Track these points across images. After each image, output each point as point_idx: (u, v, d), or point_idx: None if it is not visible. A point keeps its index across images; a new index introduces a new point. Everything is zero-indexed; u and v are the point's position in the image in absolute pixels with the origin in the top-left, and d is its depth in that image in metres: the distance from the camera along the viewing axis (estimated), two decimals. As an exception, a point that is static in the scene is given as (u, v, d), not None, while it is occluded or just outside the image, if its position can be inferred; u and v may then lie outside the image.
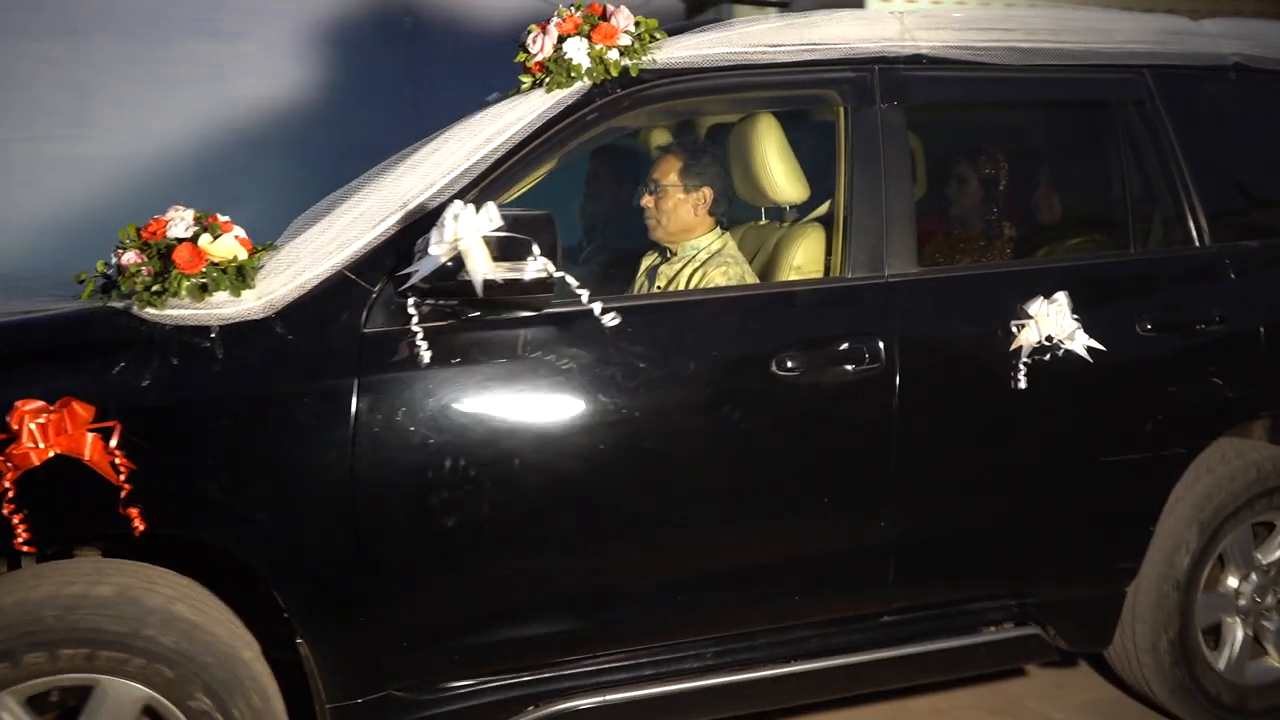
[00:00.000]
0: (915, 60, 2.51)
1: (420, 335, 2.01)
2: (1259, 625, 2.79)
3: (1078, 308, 2.44)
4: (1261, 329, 2.67)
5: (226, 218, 2.07)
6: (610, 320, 2.06)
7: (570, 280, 2.01)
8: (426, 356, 2.01)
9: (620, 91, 2.29)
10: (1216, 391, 2.64)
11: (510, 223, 1.93)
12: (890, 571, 2.43)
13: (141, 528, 1.86)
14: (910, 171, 2.52)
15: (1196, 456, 2.65)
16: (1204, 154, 2.75)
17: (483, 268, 1.91)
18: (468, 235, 1.91)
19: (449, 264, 1.93)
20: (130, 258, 1.97)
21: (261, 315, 2.01)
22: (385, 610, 2.08)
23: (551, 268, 1.94)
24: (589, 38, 2.26)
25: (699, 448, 2.25)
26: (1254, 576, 2.78)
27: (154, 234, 1.99)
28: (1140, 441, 2.58)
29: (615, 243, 3.18)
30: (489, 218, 1.92)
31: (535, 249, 1.92)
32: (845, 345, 2.31)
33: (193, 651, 1.91)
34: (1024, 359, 2.41)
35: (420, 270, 1.97)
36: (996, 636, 2.59)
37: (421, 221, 2.07)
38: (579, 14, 2.30)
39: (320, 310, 2.04)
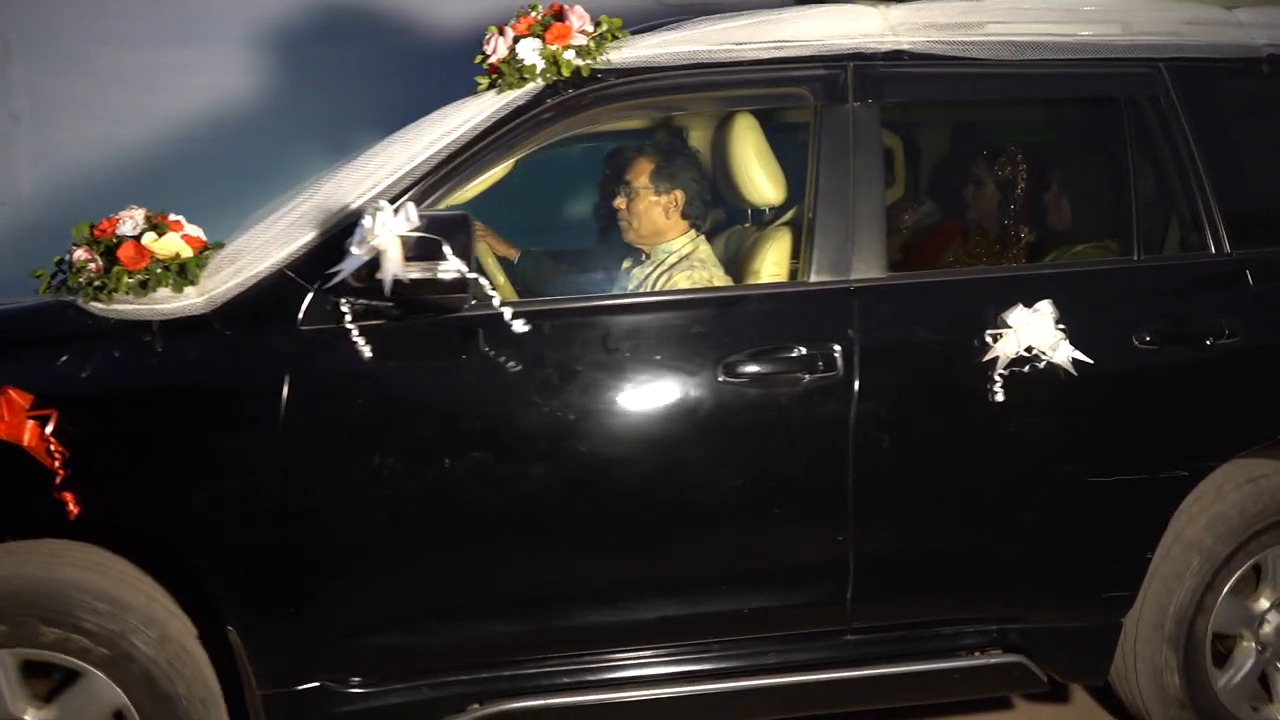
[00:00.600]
0: (896, 56, 2.41)
1: (354, 334, 2.05)
2: (1272, 665, 2.59)
3: (1065, 317, 2.30)
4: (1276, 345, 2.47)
5: (178, 217, 2.15)
6: (520, 326, 2.05)
7: (483, 282, 2.01)
8: (359, 355, 2.05)
9: (572, 92, 2.28)
10: (1227, 410, 2.47)
11: (426, 223, 1.94)
12: (849, 588, 2.34)
13: (76, 512, 1.96)
14: (883, 173, 2.42)
15: (1202, 480, 2.46)
16: (1226, 154, 2.57)
17: (394, 268, 1.93)
18: (384, 235, 1.93)
19: (369, 263, 1.96)
20: (80, 254, 2.06)
21: (202, 311, 2.08)
22: (315, 603, 2.13)
23: (464, 268, 1.94)
24: (542, 38, 2.26)
25: (635, 454, 2.22)
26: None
27: (104, 231, 2.08)
28: (1134, 462, 2.41)
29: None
30: (406, 218, 1.94)
31: (447, 249, 1.93)
32: (798, 353, 2.24)
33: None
34: (1000, 371, 2.28)
35: (343, 269, 2.01)
36: (975, 662, 2.45)
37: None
38: (535, 15, 2.30)
39: (258, 307, 2.10)
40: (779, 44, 2.37)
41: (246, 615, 2.09)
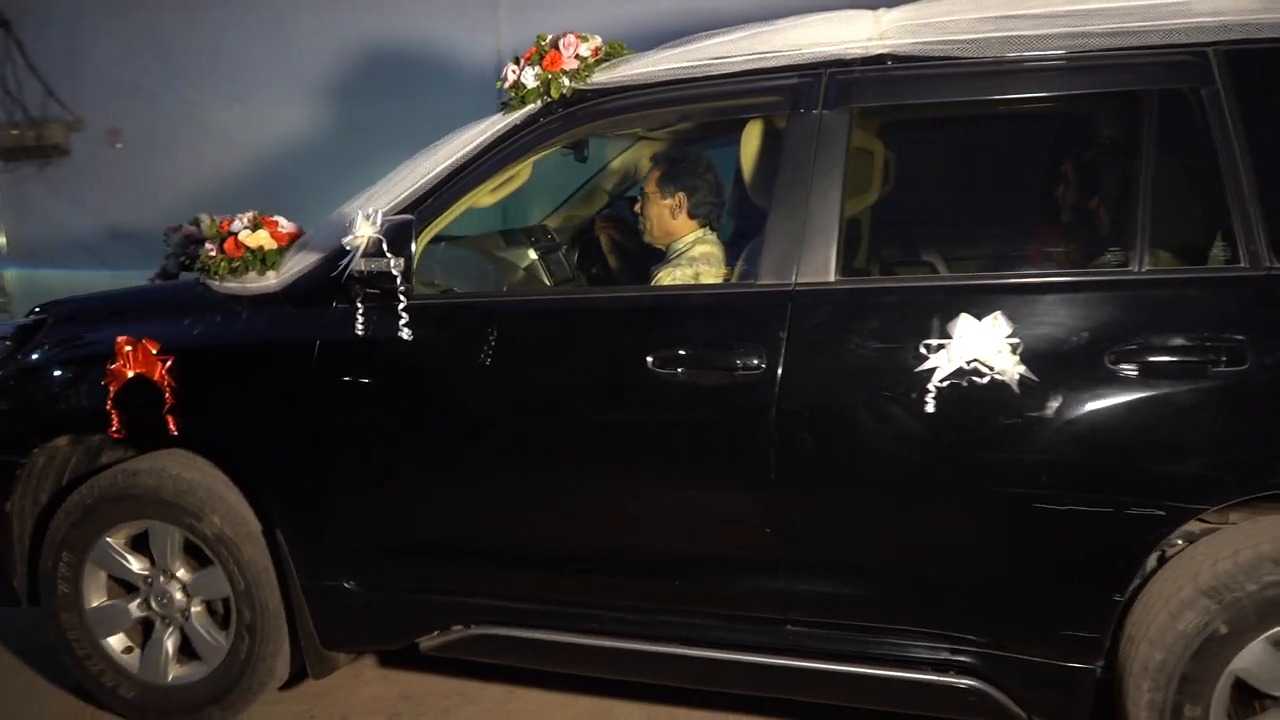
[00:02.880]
0: (879, 61, 2.43)
1: (360, 312, 2.60)
2: None
3: (1024, 332, 2.20)
4: None
5: (277, 218, 2.85)
6: (404, 327, 2.51)
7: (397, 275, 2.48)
8: (362, 327, 2.60)
9: (563, 110, 2.63)
10: (1213, 448, 2.16)
11: (384, 227, 2.44)
12: (779, 580, 2.44)
13: (175, 432, 2.74)
14: (843, 178, 2.41)
15: (1183, 524, 2.19)
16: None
17: (355, 261, 2.45)
18: (358, 235, 2.46)
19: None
20: (206, 245, 2.84)
21: (275, 290, 2.77)
22: (334, 520, 2.73)
23: (393, 263, 2.43)
24: (540, 64, 2.63)
25: (577, 433, 2.52)
26: None
27: (223, 228, 2.84)
28: (1096, 494, 2.20)
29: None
30: (372, 221, 2.45)
31: (385, 247, 2.42)
32: (723, 350, 2.39)
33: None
34: (936, 382, 2.23)
35: (345, 261, 2.56)
36: (922, 677, 2.39)
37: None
38: (540, 45, 2.68)
39: (307, 289, 2.73)
40: (759, 56, 2.50)
41: (289, 523, 2.75)
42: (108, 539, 2.88)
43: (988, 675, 2.36)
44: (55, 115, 8.98)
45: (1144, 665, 2.18)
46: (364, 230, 2.46)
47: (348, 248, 2.52)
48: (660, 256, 2.98)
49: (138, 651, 2.97)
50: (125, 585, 2.96)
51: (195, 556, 2.90)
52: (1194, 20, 2.23)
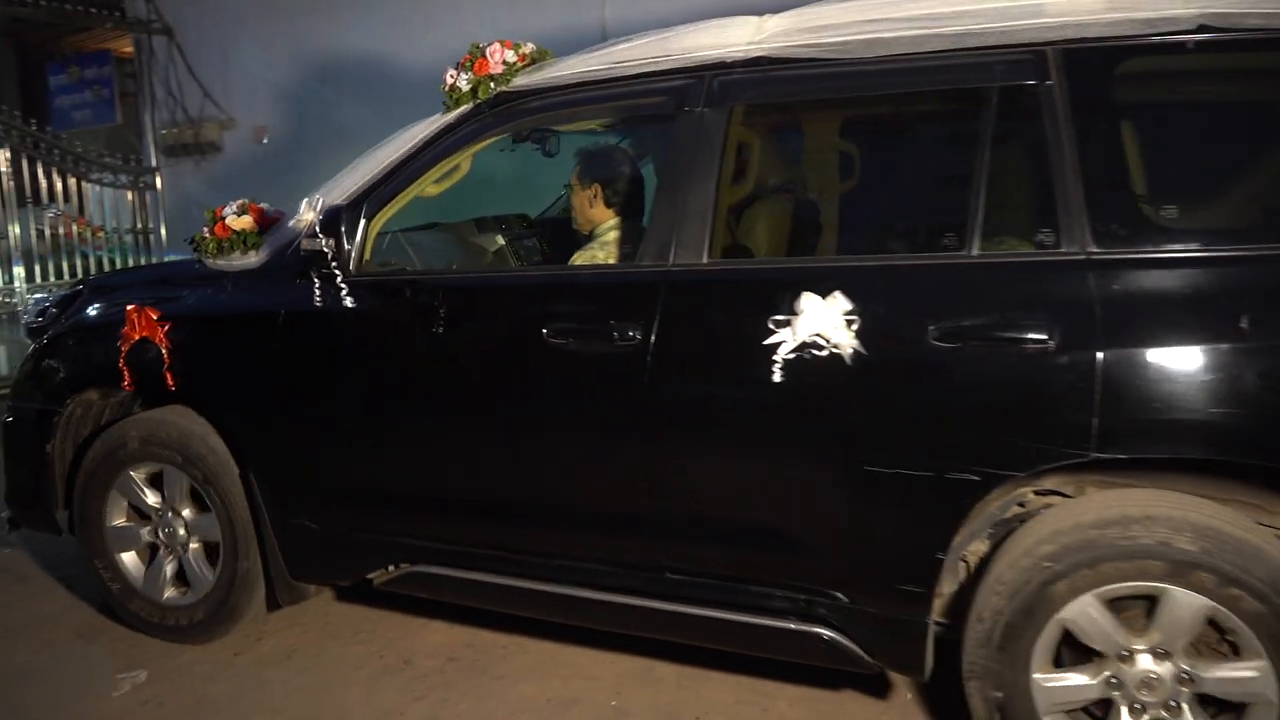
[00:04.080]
0: (757, 63, 2.65)
1: (318, 285, 2.99)
2: None
3: (860, 309, 2.40)
4: (1099, 355, 2.22)
5: (263, 204, 3.29)
6: (340, 295, 2.89)
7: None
8: (321, 300, 2.99)
9: (489, 110, 2.96)
10: (1024, 420, 2.30)
11: (324, 212, 2.85)
12: (657, 532, 2.70)
13: (172, 388, 3.21)
14: (717, 171, 2.64)
15: (995, 488, 2.35)
16: (1111, 145, 2.36)
17: (301, 242, 2.87)
18: (301, 219, 2.87)
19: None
20: (204, 229, 3.31)
21: (255, 266, 3.19)
22: (292, 468, 3.14)
23: (325, 243, 2.82)
24: (472, 70, 2.96)
25: (485, 396, 2.86)
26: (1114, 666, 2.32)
27: (217, 213, 3.30)
28: (917, 459, 2.39)
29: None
30: (313, 208, 2.85)
31: (317, 229, 2.81)
32: (605, 323, 2.67)
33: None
34: (784, 355, 2.45)
35: (293, 243, 2.97)
36: (778, 624, 2.61)
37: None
38: (472, 52, 3.01)
39: (278, 266, 3.15)
40: (655, 59, 2.78)
41: (259, 469, 3.17)
42: (130, 472, 3.38)
43: (837, 624, 2.56)
44: (211, 115, 9.87)
45: (979, 613, 2.37)
46: (306, 215, 2.87)
47: (293, 230, 2.93)
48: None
49: (144, 570, 3.48)
50: (140, 514, 3.46)
51: (199, 502, 3.36)
52: (1031, 22, 2.39)
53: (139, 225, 9.62)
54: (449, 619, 3.49)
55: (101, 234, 9.04)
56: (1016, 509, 2.47)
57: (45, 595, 3.92)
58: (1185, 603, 2.21)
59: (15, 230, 8.21)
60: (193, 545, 3.38)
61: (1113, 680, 2.31)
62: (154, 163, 9.95)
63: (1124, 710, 2.32)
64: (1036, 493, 2.47)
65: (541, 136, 3.45)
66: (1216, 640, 2.28)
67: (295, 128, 9.54)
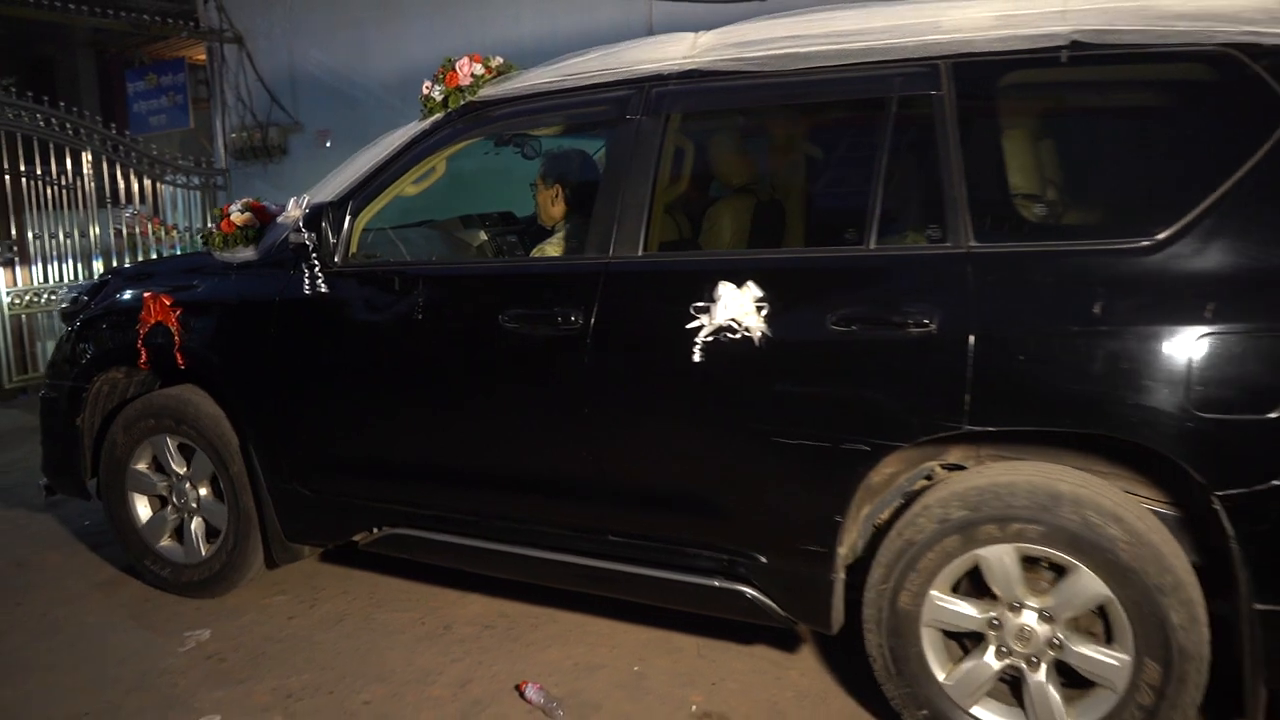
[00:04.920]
0: (689, 76, 2.92)
1: (305, 275, 3.32)
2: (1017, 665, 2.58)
3: (771, 298, 2.65)
4: (971, 338, 2.45)
5: (266, 202, 3.62)
6: (319, 283, 3.21)
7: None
8: (309, 288, 3.32)
9: (459, 118, 3.28)
10: (905, 395, 2.55)
11: (307, 209, 3.20)
12: (598, 497, 2.98)
13: (182, 367, 3.57)
14: (651, 173, 2.92)
15: (885, 457, 2.59)
16: (990, 149, 2.61)
17: (288, 235, 3.25)
18: (288, 215, 3.23)
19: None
20: (211, 225, 3.66)
21: (254, 258, 3.54)
22: (283, 439, 3.48)
23: (306, 236, 3.15)
24: (444, 82, 3.27)
25: (449, 376, 3.17)
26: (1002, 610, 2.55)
27: (224, 210, 3.64)
28: (816, 432, 2.64)
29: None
30: (299, 205, 3.19)
31: (300, 225, 3.17)
32: (552, 309, 2.96)
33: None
34: (704, 337, 2.72)
35: (282, 236, 3.30)
36: (702, 581, 2.88)
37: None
38: (444, 66, 3.32)
39: (273, 258, 3.49)
40: (602, 72, 3.07)
41: (255, 437, 3.52)
42: (147, 443, 3.78)
43: (755, 582, 2.83)
44: (278, 120, 10.34)
45: (880, 561, 2.64)
46: (293, 212, 3.20)
47: (283, 226, 3.25)
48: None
49: (163, 532, 3.88)
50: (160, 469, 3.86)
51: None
52: (927, 38, 2.64)
53: (209, 224, 10.14)
54: (487, 591, 3.75)
55: (174, 233, 9.51)
56: (923, 482, 2.71)
57: (103, 563, 4.31)
58: (1087, 584, 2.43)
59: (95, 229, 8.75)
60: (203, 502, 3.77)
61: (995, 621, 2.56)
62: (224, 165, 10.41)
63: (991, 649, 2.57)
64: (944, 466, 2.70)
65: (521, 140, 3.75)
66: (1097, 624, 2.51)
67: (357, 132, 9.93)
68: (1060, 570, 2.49)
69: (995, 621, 2.56)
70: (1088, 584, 2.43)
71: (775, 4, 3.35)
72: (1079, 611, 2.49)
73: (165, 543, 3.85)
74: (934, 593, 2.58)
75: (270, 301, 3.44)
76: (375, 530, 3.41)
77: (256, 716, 3.01)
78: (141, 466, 3.83)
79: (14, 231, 8.17)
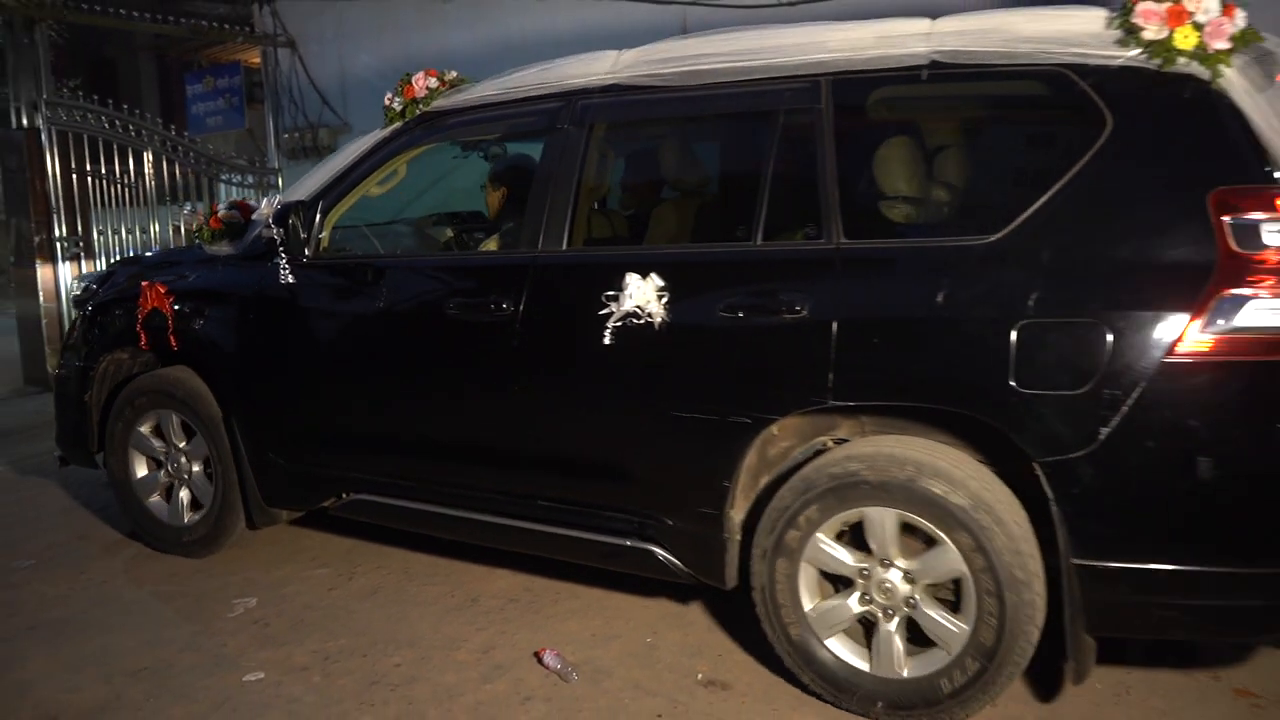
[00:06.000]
0: (610, 90, 3.24)
1: (281, 266, 3.67)
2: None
3: (671, 287, 2.98)
4: (835, 323, 2.77)
5: (252, 202, 4.03)
6: (288, 274, 3.57)
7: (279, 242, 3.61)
8: (282, 279, 3.67)
9: (416, 127, 3.64)
10: (779, 373, 2.86)
11: (278, 206, 3.57)
12: (529, 466, 3.31)
13: (175, 349, 3.95)
14: (575, 176, 3.26)
15: (762, 429, 2.90)
16: (860, 157, 2.92)
17: (261, 230, 3.63)
18: (261, 212, 3.65)
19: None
20: (202, 221, 4.04)
21: (237, 252, 3.92)
22: (258, 412, 3.85)
23: (275, 231, 3.53)
24: (403, 94, 3.66)
25: (401, 357, 3.52)
26: (874, 564, 2.84)
27: (214, 208, 4.01)
28: (707, 406, 2.96)
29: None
30: (271, 204, 3.60)
31: (271, 221, 3.54)
32: (488, 298, 3.30)
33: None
34: (614, 322, 3.05)
35: (257, 231, 3.72)
36: (616, 541, 3.20)
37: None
38: (403, 80, 3.67)
39: (253, 250, 3.86)
40: (539, 86, 3.39)
41: (236, 412, 3.90)
42: (146, 416, 4.19)
43: (663, 542, 3.14)
44: (328, 121, 10.71)
45: (768, 512, 2.93)
46: (265, 210, 3.61)
47: (257, 222, 3.67)
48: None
49: (159, 498, 4.29)
50: (157, 455, 4.25)
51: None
52: (813, 57, 2.93)
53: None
54: (513, 567, 3.99)
55: (229, 229, 9.92)
56: (814, 454, 3.00)
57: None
58: (949, 558, 2.71)
59: (156, 226, 9.17)
60: (194, 470, 4.17)
61: (864, 572, 2.85)
62: (277, 164, 10.81)
63: (856, 594, 2.87)
64: (835, 441, 3.00)
65: (485, 146, 4.21)
66: (949, 594, 2.81)
67: (403, 133, 10.27)
68: (931, 542, 2.75)
69: (865, 572, 2.84)
70: (950, 559, 2.71)
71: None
72: (936, 580, 2.77)
73: (155, 499, 4.26)
74: (819, 535, 2.85)
75: (248, 291, 3.82)
76: (343, 497, 3.76)
77: (296, 674, 3.27)
78: (144, 429, 4.23)
79: (80, 228, 8.57)
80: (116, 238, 8.92)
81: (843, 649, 2.91)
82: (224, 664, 3.37)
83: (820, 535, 2.85)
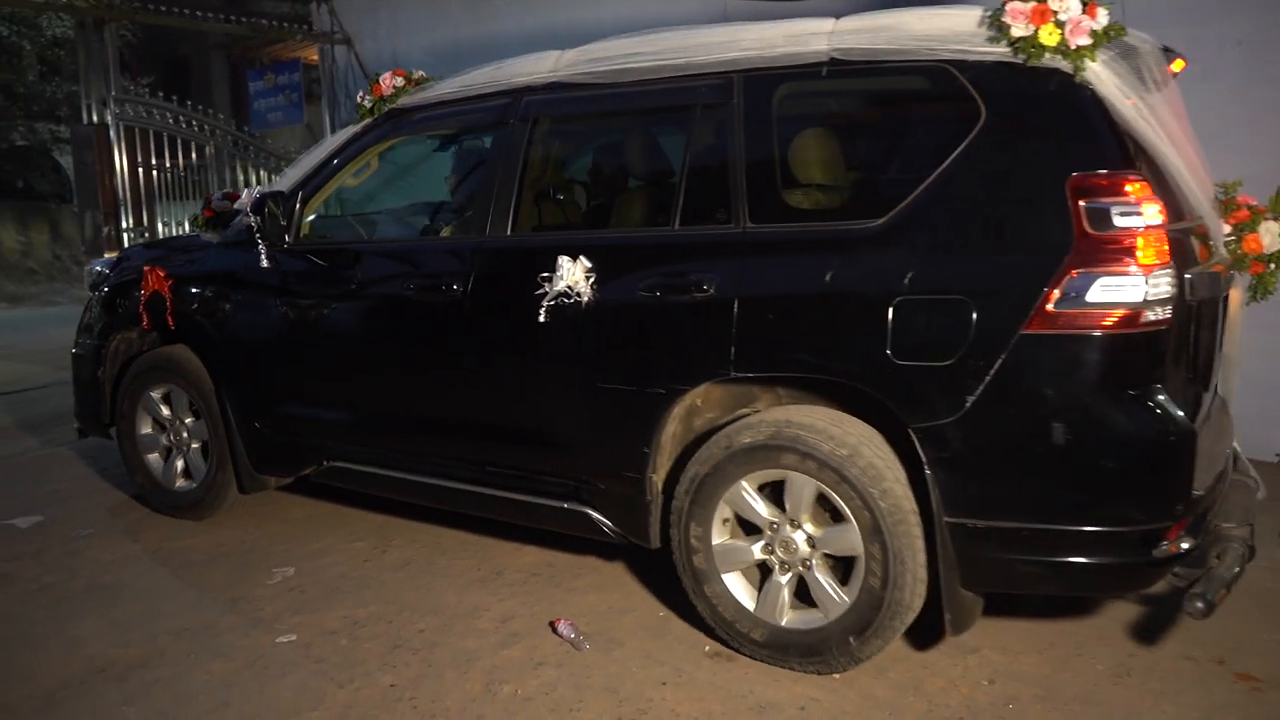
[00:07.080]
0: (552, 87, 3.49)
1: (262, 251, 3.98)
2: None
3: (598, 269, 3.21)
4: (736, 300, 2.98)
5: (240, 191, 4.26)
6: (264, 259, 3.88)
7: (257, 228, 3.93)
8: (262, 262, 3.98)
9: (384, 122, 3.93)
10: (689, 348, 3.09)
11: (257, 196, 3.87)
12: (478, 434, 3.58)
13: (173, 328, 4.28)
14: (517, 168, 3.51)
15: (676, 400, 3.13)
16: (766, 147, 3.09)
17: (242, 219, 3.95)
18: (241, 202, 3.98)
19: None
20: (198, 211, 4.35)
21: (226, 239, 4.23)
22: (244, 386, 4.17)
23: (253, 219, 3.84)
24: (372, 92, 3.94)
25: (370, 330, 3.82)
26: (784, 521, 3.04)
27: (207, 199, 4.32)
28: (627, 378, 3.20)
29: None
30: (251, 193, 3.91)
31: (249, 209, 3.86)
32: (440, 279, 3.57)
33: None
34: (548, 301, 3.29)
35: (239, 219, 4.04)
36: (553, 504, 3.45)
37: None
38: (372, 79, 3.95)
39: (236, 237, 4.16)
40: (491, 84, 3.64)
41: (226, 386, 4.22)
42: (149, 391, 4.53)
43: (595, 505, 3.38)
44: (384, 114, 11.04)
45: (681, 481, 3.16)
46: (245, 199, 3.93)
47: (238, 210, 3.99)
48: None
49: (162, 465, 4.64)
50: (161, 425, 4.60)
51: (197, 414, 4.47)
52: (729, 54, 3.13)
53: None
54: (539, 544, 4.14)
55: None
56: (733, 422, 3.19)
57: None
58: (850, 536, 2.92)
59: (215, 217, 9.53)
60: (193, 446, 4.52)
61: (774, 525, 3.07)
62: (334, 159, 11.13)
63: (761, 543, 3.09)
64: (753, 411, 3.19)
65: (458, 140, 4.44)
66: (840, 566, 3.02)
67: (452, 126, 10.52)
68: (840, 519, 2.95)
69: (774, 526, 3.05)
70: (851, 537, 2.91)
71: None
72: (835, 552, 2.98)
73: (152, 457, 4.62)
74: (743, 483, 3.07)
75: (233, 274, 4.13)
76: (322, 464, 4.05)
77: (326, 637, 3.46)
78: (155, 395, 4.55)
79: (146, 219, 8.93)
80: (180, 229, 9.26)
81: (736, 585, 3.13)
82: (260, 626, 3.56)
83: (744, 484, 3.06)
